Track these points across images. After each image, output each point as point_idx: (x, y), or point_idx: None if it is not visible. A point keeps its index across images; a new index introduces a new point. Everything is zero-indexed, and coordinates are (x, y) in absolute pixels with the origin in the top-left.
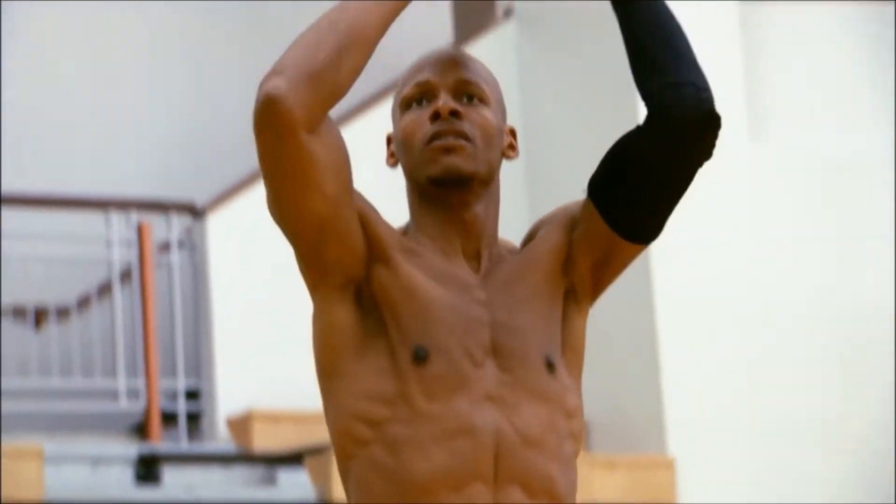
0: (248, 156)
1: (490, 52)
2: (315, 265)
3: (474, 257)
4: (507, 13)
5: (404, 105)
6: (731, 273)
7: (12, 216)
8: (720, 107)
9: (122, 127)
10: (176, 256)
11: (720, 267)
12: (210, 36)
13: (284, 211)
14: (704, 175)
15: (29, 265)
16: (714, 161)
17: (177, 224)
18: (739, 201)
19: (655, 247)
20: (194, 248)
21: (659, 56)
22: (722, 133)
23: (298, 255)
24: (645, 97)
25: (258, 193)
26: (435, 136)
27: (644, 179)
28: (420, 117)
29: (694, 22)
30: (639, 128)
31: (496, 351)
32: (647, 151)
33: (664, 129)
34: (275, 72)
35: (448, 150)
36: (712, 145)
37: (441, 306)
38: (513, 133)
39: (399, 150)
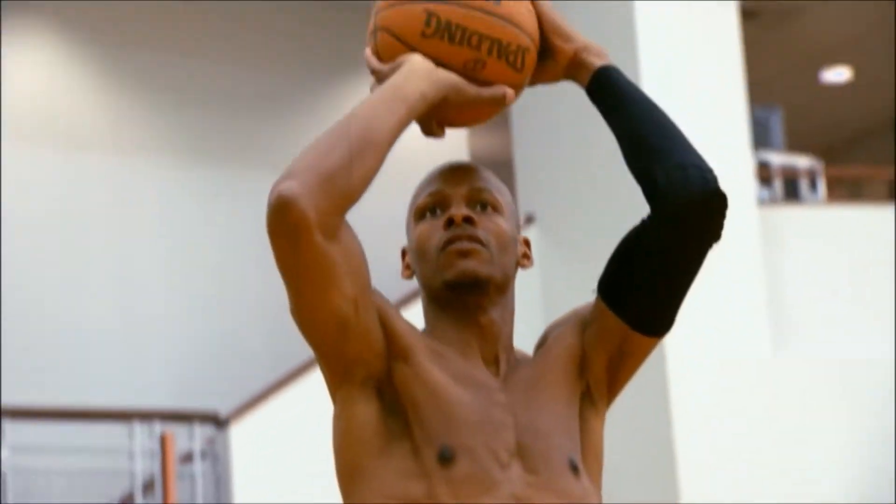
0: (270, 365)
1: None
2: (336, 363)
3: (493, 361)
4: (530, 219)
5: (418, 215)
6: (757, 474)
7: (35, 429)
8: (745, 324)
9: (144, 338)
10: (199, 466)
11: (746, 472)
12: (232, 248)
13: (305, 312)
14: (729, 388)
15: (52, 478)
16: (739, 372)
17: (199, 434)
18: (763, 409)
19: (682, 456)
20: (217, 459)
21: (658, 142)
22: (746, 346)
23: (319, 354)
24: (648, 184)
25: (281, 402)
26: (450, 242)
27: (655, 267)
28: (434, 225)
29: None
30: (644, 220)
31: (521, 453)
32: (657, 238)
33: (673, 213)
34: (287, 175)
35: (463, 254)
36: (721, 226)
37: (464, 407)
38: (527, 243)
39: (414, 259)
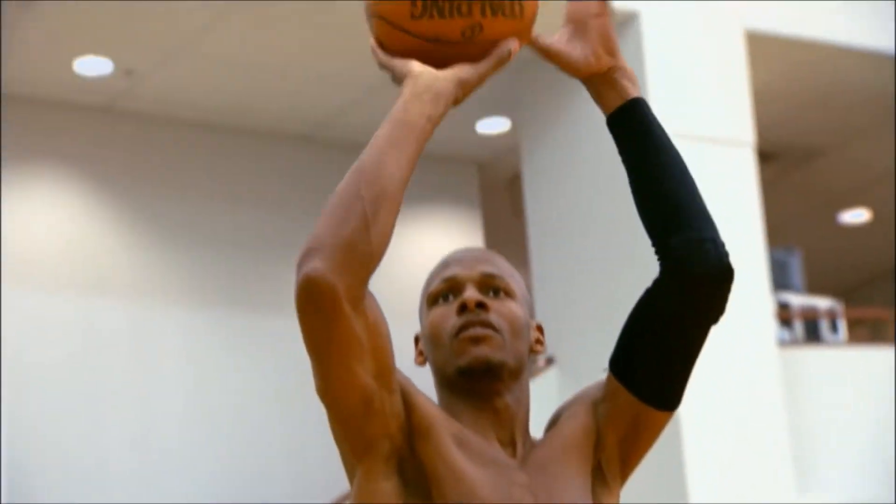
0: None
1: (534, 395)
2: (359, 439)
3: (509, 444)
4: (550, 361)
5: (431, 301)
6: None
7: None
8: (767, 466)
9: (164, 481)
10: None
11: None
12: (254, 392)
13: (332, 389)
14: None
15: None
16: None
17: None
18: None
19: None
20: None
21: (680, 205)
22: (770, 488)
23: (343, 430)
24: (663, 250)
25: None
26: (463, 328)
27: (661, 335)
28: (447, 311)
29: (738, 380)
30: (650, 290)
31: None
32: (666, 307)
33: (684, 285)
34: (309, 251)
35: (477, 341)
36: (726, 300)
37: (484, 486)
38: (540, 329)
39: (427, 345)
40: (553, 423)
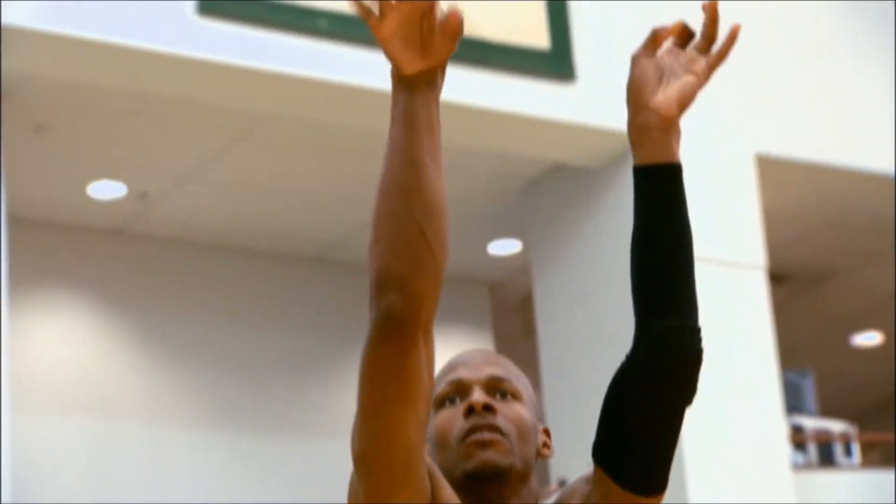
0: None
1: None
2: None
3: None
4: (562, 483)
5: (438, 403)
6: None
7: None
8: None
9: None
10: None
11: None
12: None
13: (379, 443)
14: None
15: None
16: None
17: None
18: None
19: None
20: None
21: (680, 293)
22: None
23: (371, 496)
24: (646, 330)
25: None
26: (470, 431)
27: (640, 420)
28: (454, 414)
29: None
30: (623, 374)
31: None
32: (641, 391)
33: (659, 369)
34: (382, 286)
35: (484, 445)
36: (698, 381)
37: None
38: (547, 433)
39: (433, 448)
40: None
